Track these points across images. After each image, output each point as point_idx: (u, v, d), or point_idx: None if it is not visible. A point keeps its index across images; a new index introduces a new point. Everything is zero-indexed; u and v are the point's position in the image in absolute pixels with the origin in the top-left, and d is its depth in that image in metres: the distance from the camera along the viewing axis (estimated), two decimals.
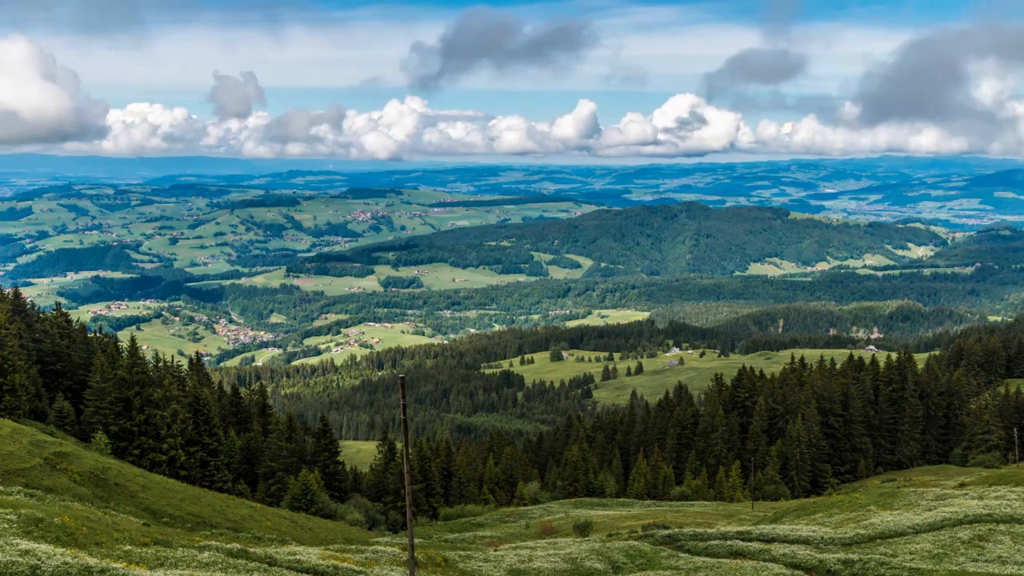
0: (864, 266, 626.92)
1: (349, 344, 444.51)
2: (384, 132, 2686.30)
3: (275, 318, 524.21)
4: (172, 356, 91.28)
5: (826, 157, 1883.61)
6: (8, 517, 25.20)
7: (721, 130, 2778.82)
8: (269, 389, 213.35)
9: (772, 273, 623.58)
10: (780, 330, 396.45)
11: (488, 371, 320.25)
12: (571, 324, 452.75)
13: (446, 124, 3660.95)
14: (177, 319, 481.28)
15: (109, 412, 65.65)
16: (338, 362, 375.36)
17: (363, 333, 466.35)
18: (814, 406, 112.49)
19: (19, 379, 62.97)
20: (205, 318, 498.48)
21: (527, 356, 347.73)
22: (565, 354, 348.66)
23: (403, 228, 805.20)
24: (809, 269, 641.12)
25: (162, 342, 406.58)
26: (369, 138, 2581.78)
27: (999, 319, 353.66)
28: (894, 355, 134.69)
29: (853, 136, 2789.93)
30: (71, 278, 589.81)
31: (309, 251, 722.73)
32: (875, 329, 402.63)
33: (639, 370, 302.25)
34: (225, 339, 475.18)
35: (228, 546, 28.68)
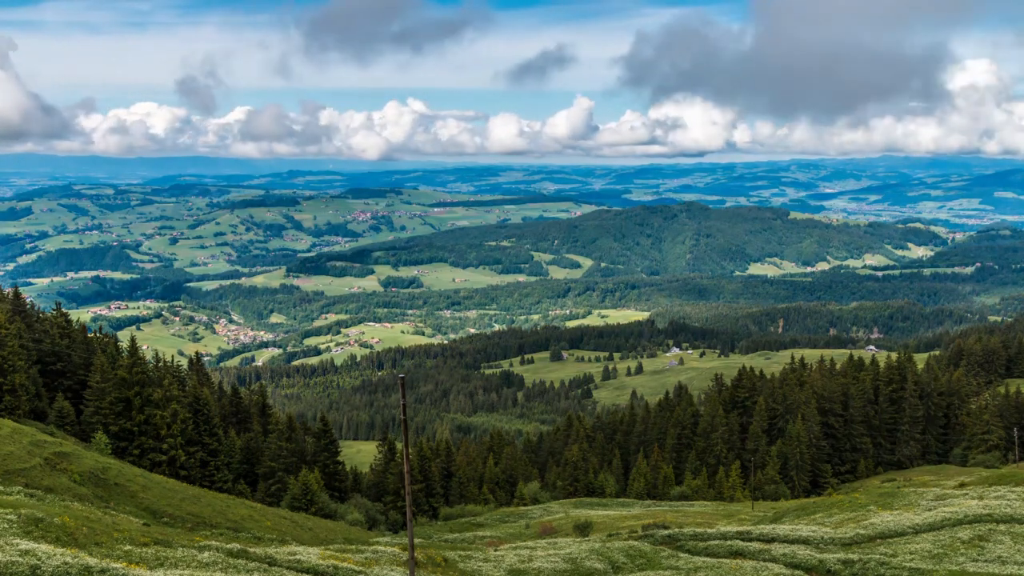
0: (864, 266, 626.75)
1: (349, 344, 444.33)
2: (382, 133, 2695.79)
3: (275, 318, 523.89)
4: (172, 356, 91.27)
5: (826, 157, 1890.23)
6: (8, 517, 25.21)
7: (713, 130, 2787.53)
8: (269, 389, 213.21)
9: (772, 273, 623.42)
10: (780, 330, 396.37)
11: (488, 371, 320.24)
12: (571, 324, 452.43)
13: (444, 124, 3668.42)
14: (177, 319, 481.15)
15: (109, 412, 65.64)
16: (338, 362, 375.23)
17: (363, 333, 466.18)
18: (814, 406, 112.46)
19: (19, 379, 62.97)
20: (205, 318, 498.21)
21: (527, 356, 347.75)
22: (565, 354, 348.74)
23: (403, 228, 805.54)
24: (809, 269, 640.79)
25: (162, 342, 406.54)
26: (369, 139, 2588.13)
27: (999, 319, 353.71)
28: (894, 355, 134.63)
29: (852, 135, 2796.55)
30: (71, 278, 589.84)
31: (309, 251, 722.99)
32: (875, 329, 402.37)
33: (639, 370, 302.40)
34: (225, 339, 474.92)
35: (228, 546, 28.69)
